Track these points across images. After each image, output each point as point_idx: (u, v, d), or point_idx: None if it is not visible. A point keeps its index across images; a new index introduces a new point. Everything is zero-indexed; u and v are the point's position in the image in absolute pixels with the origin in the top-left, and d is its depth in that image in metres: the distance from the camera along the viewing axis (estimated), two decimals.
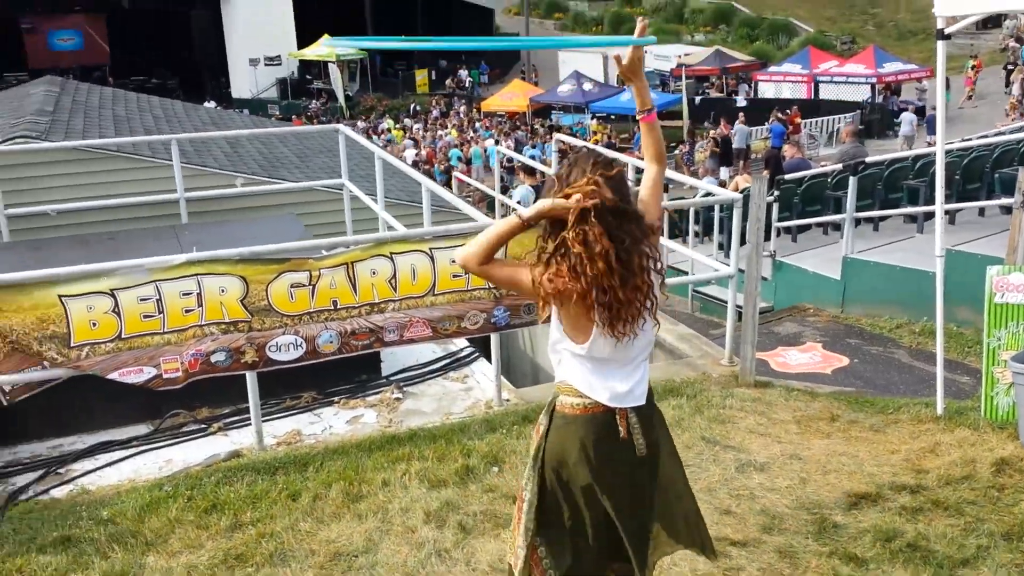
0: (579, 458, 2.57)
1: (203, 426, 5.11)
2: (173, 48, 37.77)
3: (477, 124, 30.08)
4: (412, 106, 34.47)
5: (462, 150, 24.53)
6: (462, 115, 32.11)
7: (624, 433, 2.58)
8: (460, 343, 5.96)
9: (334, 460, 4.54)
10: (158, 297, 4.40)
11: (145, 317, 4.41)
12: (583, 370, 2.58)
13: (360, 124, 29.89)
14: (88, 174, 7.83)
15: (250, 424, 4.84)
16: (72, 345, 4.31)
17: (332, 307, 4.70)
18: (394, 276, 4.78)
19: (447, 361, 5.84)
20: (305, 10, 35.73)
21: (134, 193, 7.83)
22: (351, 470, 4.42)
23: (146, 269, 4.38)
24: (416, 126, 30.40)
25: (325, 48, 34.66)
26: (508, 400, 5.32)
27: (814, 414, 5.05)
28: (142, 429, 5.09)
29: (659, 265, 2.54)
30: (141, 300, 4.38)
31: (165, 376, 4.50)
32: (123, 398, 4.82)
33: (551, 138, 26.29)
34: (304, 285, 4.63)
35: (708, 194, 7.35)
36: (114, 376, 4.40)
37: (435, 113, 32.98)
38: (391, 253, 4.77)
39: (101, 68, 36.83)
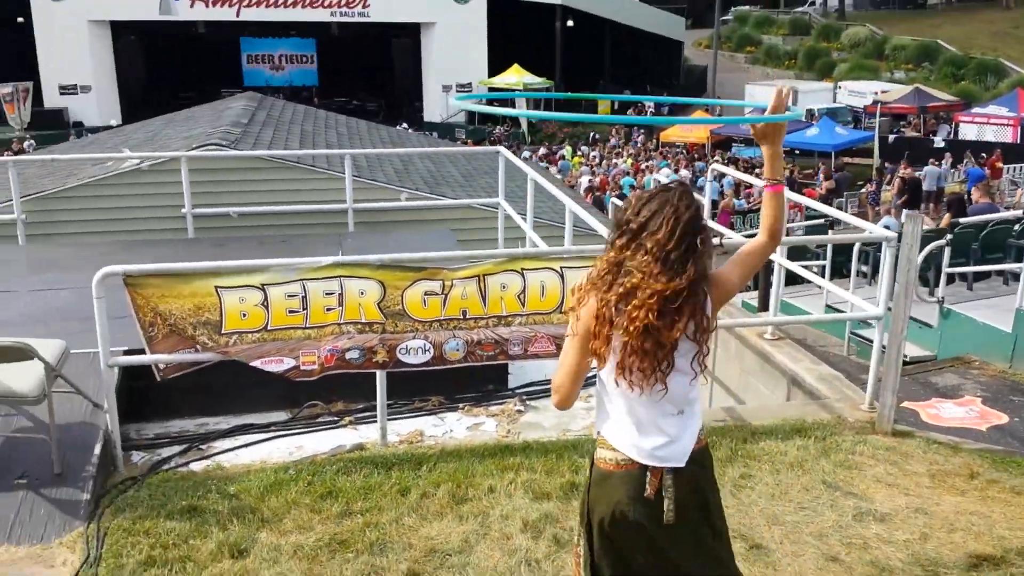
0: (615, 517, 2.54)
1: (335, 418, 5.43)
2: (376, 73, 39.88)
3: (653, 154, 29.99)
4: (592, 134, 34.78)
5: (636, 178, 24.53)
6: (639, 144, 32.11)
7: (650, 492, 2.50)
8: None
9: (447, 462, 4.70)
10: (303, 295, 4.72)
11: (290, 312, 4.74)
12: (613, 417, 2.58)
13: (541, 150, 30.49)
14: (268, 181, 8.50)
15: (377, 421, 5.09)
16: (223, 332, 4.70)
17: (461, 316, 4.87)
18: (523, 291, 4.90)
19: None
20: (498, 41, 36.91)
21: (308, 201, 8.43)
22: (461, 473, 4.56)
23: (294, 269, 4.72)
24: (593, 153, 30.66)
25: (514, 78, 35.76)
26: None
27: (952, 469, 4.74)
28: (281, 416, 5.47)
29: (701, 337, 2.47)
30: (288, 296, 4.72)
31: (302, 368, 4.81)
32: (268, 386, 5.18)
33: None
34: (437, 293, 4.84)
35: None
36: (256, 364, 4.75)
37: (613, 141, 33.12)
38: (522, 269, 4.90)
39: (309, 89, 39.48)
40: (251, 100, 12.20)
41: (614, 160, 28.84)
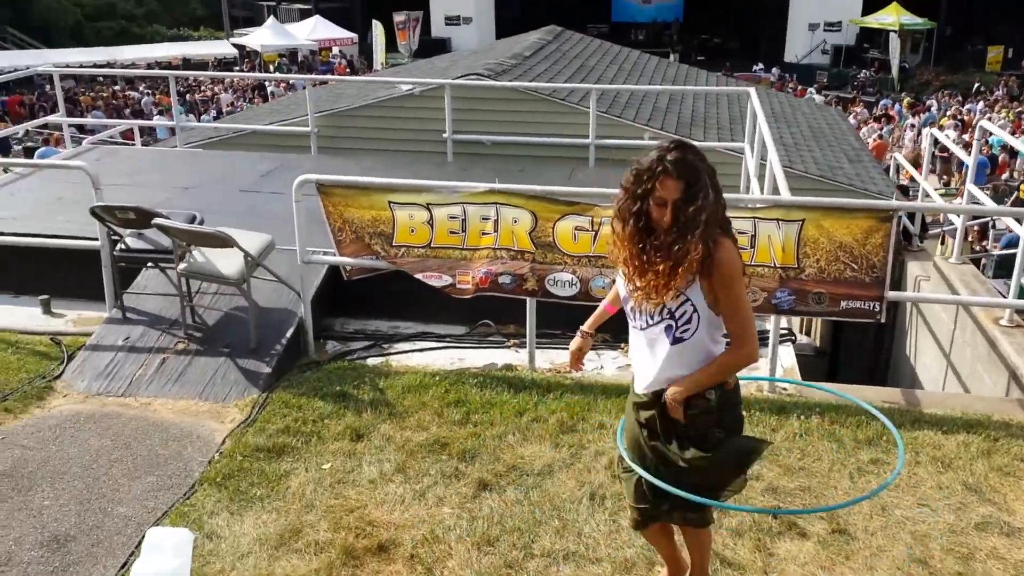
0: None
1: (503, 339, 5.77)
2: (739, 9, 38.23)
3: None
4: (976, 84, 30.68)
5: (1020, 137, 21.52)
6: None
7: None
8: (779, 321, 5.71)
9: (573, 394, 4.87)
10: (463, 217, 5.09)
11: (451, 233, 5.14)
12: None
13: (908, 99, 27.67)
14: (521, 112, 8.91)
15: (532, 347, 5.35)
16: (393, 244, 5.22)
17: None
18: None
19: None
20: None
21: (557, 134, 8.74)
22: (579, 406, 4.72)
23: (456, 191, 5.09)
24: (968, 106, 27.08)
25: (890, 17, 32.51)
26: (785, 391, 5.06)
27: None
28: (460, 330, 5.91)
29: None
30: (450, 217, 5.11)
31: (458, 286, 5.21)
32: (455, 302, 5.59)
33: None
34: (587, 229, 4.96)
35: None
36: (420, 277, 5.22)
37: (997, 94, 29.02)
38: None
39: (670, 24, 38.83)
40: (546, 34, 12.65)
41: (989, 115, 25.37)
